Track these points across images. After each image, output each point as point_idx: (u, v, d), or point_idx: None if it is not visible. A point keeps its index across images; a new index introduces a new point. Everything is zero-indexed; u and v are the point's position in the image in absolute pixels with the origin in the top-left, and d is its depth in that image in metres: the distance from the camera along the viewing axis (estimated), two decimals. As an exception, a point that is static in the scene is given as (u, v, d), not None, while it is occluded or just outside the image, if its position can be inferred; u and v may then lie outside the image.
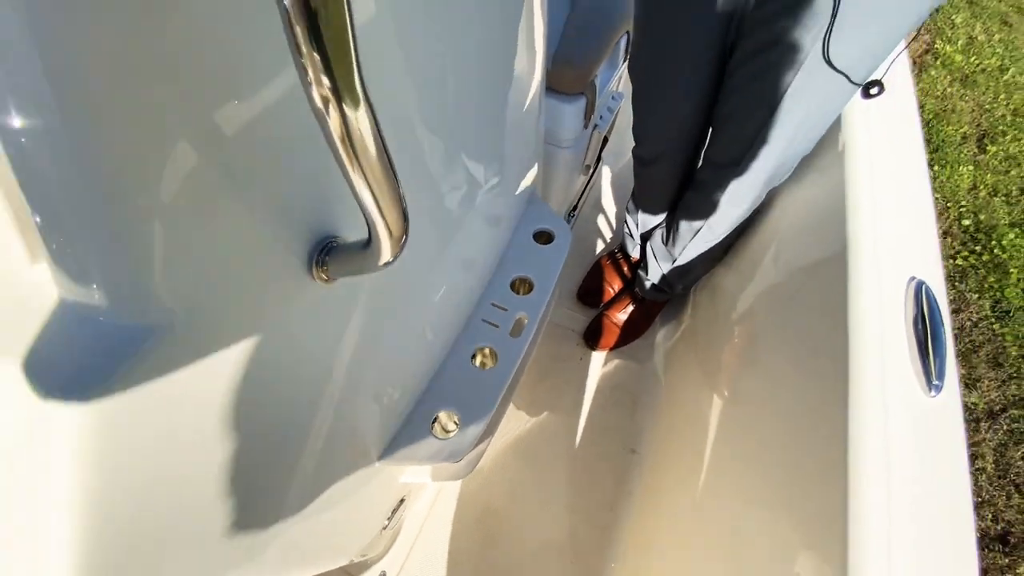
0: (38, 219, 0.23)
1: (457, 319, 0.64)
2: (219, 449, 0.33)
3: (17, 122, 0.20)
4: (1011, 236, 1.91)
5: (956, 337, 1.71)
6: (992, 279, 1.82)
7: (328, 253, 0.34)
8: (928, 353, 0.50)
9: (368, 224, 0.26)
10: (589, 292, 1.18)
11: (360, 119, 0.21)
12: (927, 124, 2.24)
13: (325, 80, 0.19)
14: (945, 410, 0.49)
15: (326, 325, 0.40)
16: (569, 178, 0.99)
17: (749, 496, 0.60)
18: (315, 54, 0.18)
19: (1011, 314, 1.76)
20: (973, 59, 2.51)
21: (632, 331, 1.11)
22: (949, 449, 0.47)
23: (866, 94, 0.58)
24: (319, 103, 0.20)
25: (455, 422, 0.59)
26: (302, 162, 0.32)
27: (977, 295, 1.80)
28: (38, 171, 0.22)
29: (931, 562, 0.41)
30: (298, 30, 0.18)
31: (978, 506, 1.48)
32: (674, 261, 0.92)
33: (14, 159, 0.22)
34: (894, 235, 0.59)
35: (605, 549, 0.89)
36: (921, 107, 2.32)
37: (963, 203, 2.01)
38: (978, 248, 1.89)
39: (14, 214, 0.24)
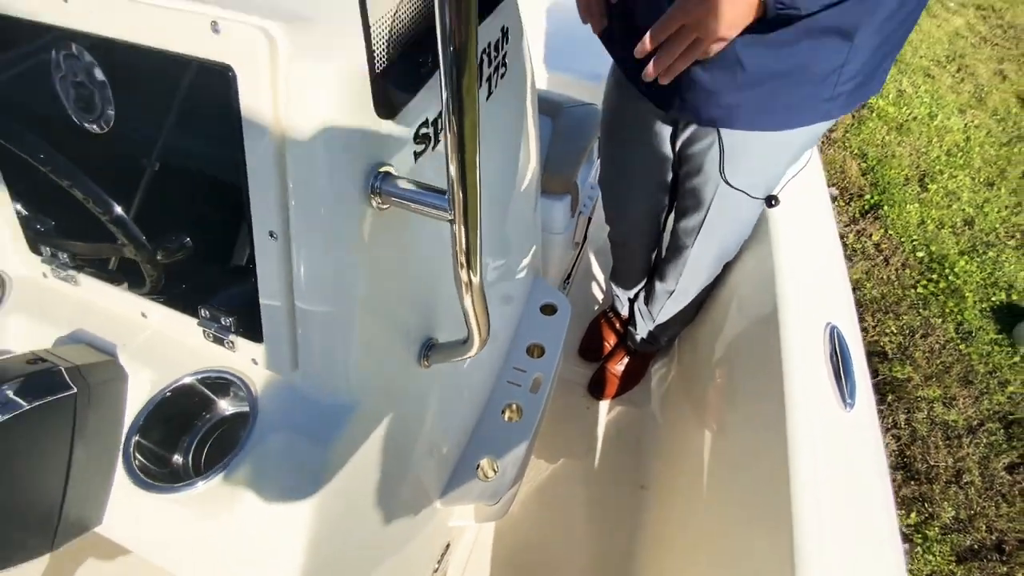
0: (302, 332, 0.42)
1: (489, 383, 0.80)
2: (372, 494, 0.50)
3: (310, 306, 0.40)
4: (962, 263, 2.12)
5: (927, 360, 1.87)
6: (951, 304, 2.00)
7: (430, 349, 0.52)
8: (842, 379, 0.66)
9: (468, 328, 0.44)
10: (589, 348, 1.35)
11: (476, 285, 0.40)
12: (872, 170, 2.52)
13: (465, 249, 0.37)
14: (860, 420, 0.64)
15: (423, 397, 0.57)
16: (563, 256, 1.19)
17: (734, 513, 0.74)
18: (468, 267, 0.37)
19: (973, 335, 1.93)
20: (904, 109, 2.85)
21: (630, 380, 1.27)
22: (865, 447, 0.62)
23: (768, 204, 0.79)
24: (461, 266, 0.38)
25: (494, 468, 0.74)
26: (425, 307, 0.51)
27: (941, 319, 1.97)
28: (317, 322, 0.41)
29: (858, 535, 0.56)
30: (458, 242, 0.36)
31: (972, 519, 1.57)
32: (655, 320, 1.10)
33: (301, 312, 0.41)
34: (814, 291, 0.77)
35: (627, 573, 1.00)
36: (864, 155, 2.61)
37: (915, 237, 2.23)
38: (935, 276, 2.09)
39: (291, 328, 0.43)
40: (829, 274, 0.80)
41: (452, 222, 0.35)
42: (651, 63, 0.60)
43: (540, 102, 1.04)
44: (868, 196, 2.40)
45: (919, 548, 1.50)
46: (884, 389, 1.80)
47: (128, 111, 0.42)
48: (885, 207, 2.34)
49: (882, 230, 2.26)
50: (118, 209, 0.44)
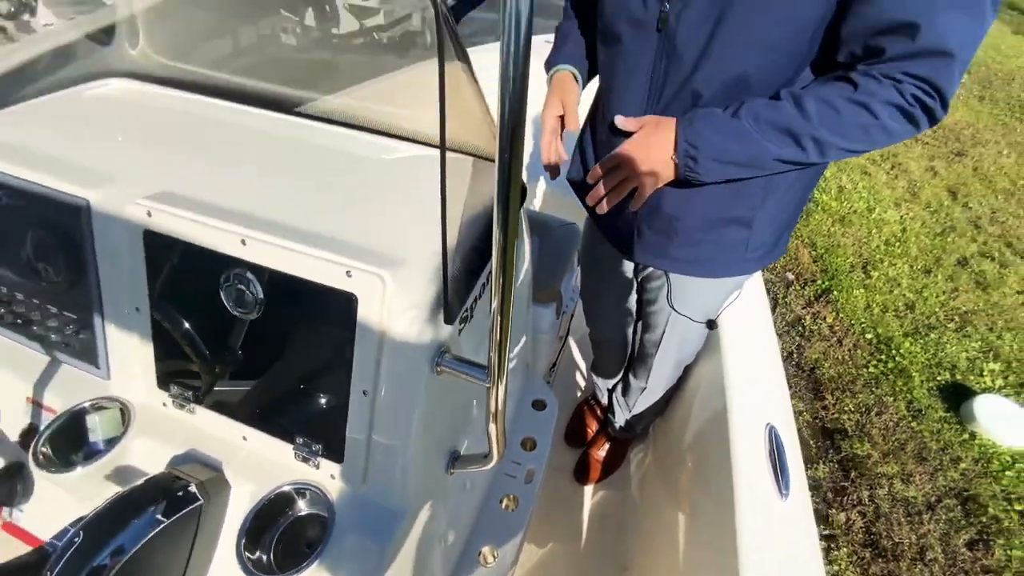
0: (373, 457, 0.56)
1: (489, 476, 0.93)
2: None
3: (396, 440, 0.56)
4: (907, 344, 2.35)
5: (883, 437, 2.02)
6: (900, 383, 2.20)
7: (455, 460, 0.66)
8: (778, 472, 0.81)
9: (489, 447, 0.59)
10: (573, 434, 1.48)
11: (500, 421, 0.55)
12: (821, 258, 2.82)
13: (494, 405, 0.53)
14: (795, 506, 0.78)
15: (446, 497, 0.71)
16: (550, 350, 1.35)
17: None
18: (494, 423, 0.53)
19: (923, 412, 2.10)
20: (845, 203, 3.22)
21: (611, 465, 1.39)
22: (799, 529, 0.75)
23: (709, 327, 0.99)
24: (493, 418, 0.54)
25: (494, 555, 0.84)
26: (455, 431, 0.67)
27: (892, 398, 2.15)
28: (385, 450, 0.56)
29: None
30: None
31: (939, 596, 1.65)
32: (631, 410, 1.26)
33: (375, 443, 0.56)
34: (756, 395, 0.93)
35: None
36: (814, 244, 2.92)
37: (863, 320, 2.47)
38: (883, 357, 2.30)
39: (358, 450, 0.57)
40: (769, 379, 0.98)
41: (488, 387, 0.51)
42: (591, 193, 0.78)
43: (530, 222, 1.26)
44: (820, 281, 2.67)
45: (892, 628, 1.57)
46: (847, 466, 1.93)
47: (273, 310, 0.60)
48: (835, 291, 2.60)
49: (834, 313, 2.50)
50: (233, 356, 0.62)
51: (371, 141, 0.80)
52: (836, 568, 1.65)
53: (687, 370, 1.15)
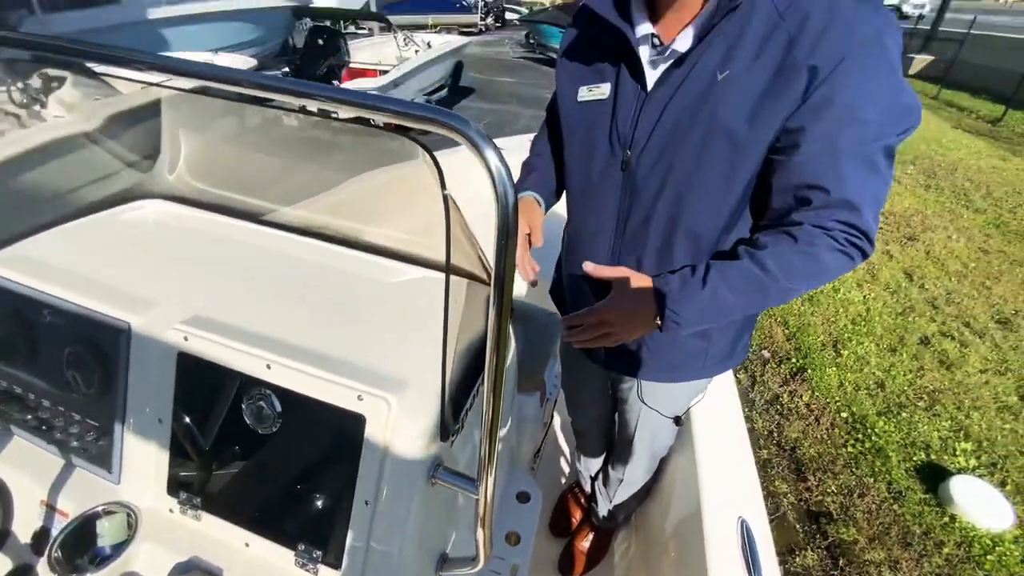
0: (370, 563, 0.60)
1: (474, 574, 0.94)
2: None
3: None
4: (880, 424, 2.41)
5: (868, 521, 2.02)
6: (879, 463, 2.23)
7: (444, 562, 0.69)
8: (751, 566, 0.84)
9: (476, 551, 0.62)
10: (558, 524, 1.47)
11: (487, 526, 0.59)
12: (794, 336, 2.95)
13: (483, 512, 0.58)
14: None
15: None
16: (534, 437, 1.39)
17: None
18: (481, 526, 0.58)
19: (903, 494, 2.12)
20: (814, 284, 3.42)
21: (595, 556, 1.38)
22: None
23: (676, 423, 1.06)
24: (481, 523, 0.58)
25: None
26: (444, 535, 0.71)
27: (872, 479, 2.18)
28: (381, 556, 0.60)
29: None
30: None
31: None
32: (611, 501, 1.28)
33: (372, 550, 0.59)
34: (728, 489, 0.98)
35: None
36: (786, 323, 3.06)
37: (837, 398, 2.55)
38: (860, 436, 2.35)
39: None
40: (739, 473, 1.03)
41: (477, 499, 0.57)
42: (569, 332, 0.83)
43: (514, 312, 1.35)
44: (794, 359, 2.77)
45: None
46: (835, 552, 1.91)
47: (288, 425, 0.66)
48: (809, 370, 2.70)
49: (810, 391, 2.58)
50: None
51: (379, 263, 0.90)
52: (831, 668, 1.60)
53: (663, 462, 1.20)
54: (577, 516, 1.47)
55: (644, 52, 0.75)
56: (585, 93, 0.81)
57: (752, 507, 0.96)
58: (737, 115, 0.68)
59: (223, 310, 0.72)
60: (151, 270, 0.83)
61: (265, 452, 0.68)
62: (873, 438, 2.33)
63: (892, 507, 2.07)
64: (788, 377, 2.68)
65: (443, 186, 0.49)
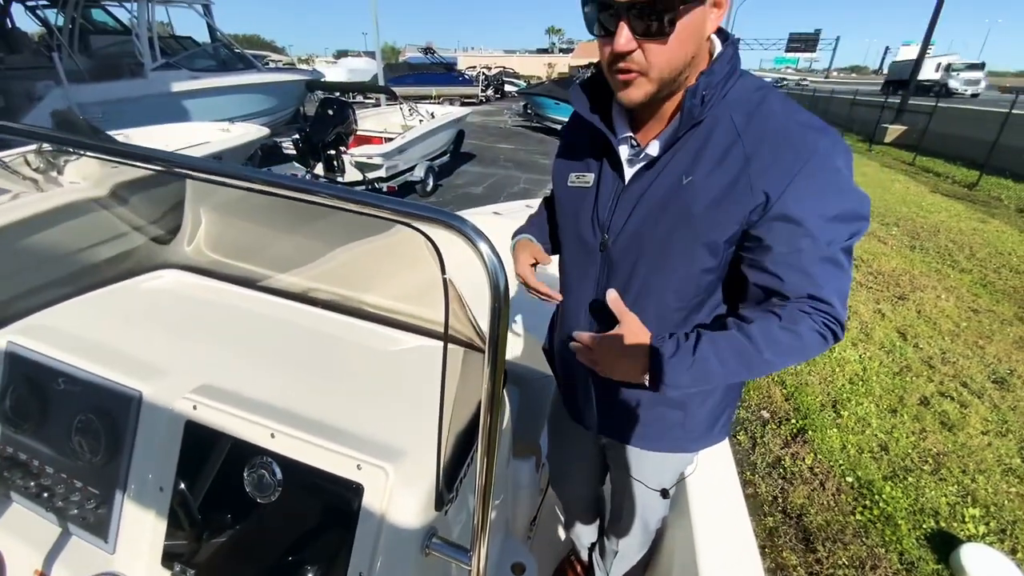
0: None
1: None
2: None
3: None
4: (887, 489, 2.36)
5: (881, 594, 1.93)
6: (888, 532, 2.17)
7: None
8: None
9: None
10: (557, 596, 1.43)
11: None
12: (792, 396, 2.94)
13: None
14: None
15: None
16: (530, 504, 1.37)
17: None
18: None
19: (916, 565, 2.04)
20: (809, 344, 3.45)
21: (596, 631, 1.33)
22: None
23: (663, 496, 1.08)
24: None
25: None
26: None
27: (884, 550, 2.11)
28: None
29: None
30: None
31: None
32: (608, 574, 1.25)
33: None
34: (726, 562, 0.97)
35: None
36: (783, 383, 3.07)
37: (841, 461, 2.51)
38: (867, 503, 2.30)
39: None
40: (738, 546, 1.02)
41: (469, 570, 0.58)
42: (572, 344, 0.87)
43: (509, 373, 1.38)
44: (793, 420, 2.75)
45: None
46: (850, 631, 1.82)
47: (288, 494, 0.68)
48: (810, 431, 2.67)
49: (812, 454, 2.54)
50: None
51: (379, 332, 0.95)
52: None
53: (659, 534, 1.19)
54: (577, 589, 1.42)
55: (623, 151, 0.85)
56: (574, 179, 0.91)
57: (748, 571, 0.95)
58: (699, 214, 0.76)
59: (231, 379, 0.76)
60: (164, 339, 0.88)
61: (263, 521, 0.69)
62: (881, 505, 2.28)
63: (906, 580, 1.99)
64: (789, 439, 2.65)
65: (443, 271, 0.55)
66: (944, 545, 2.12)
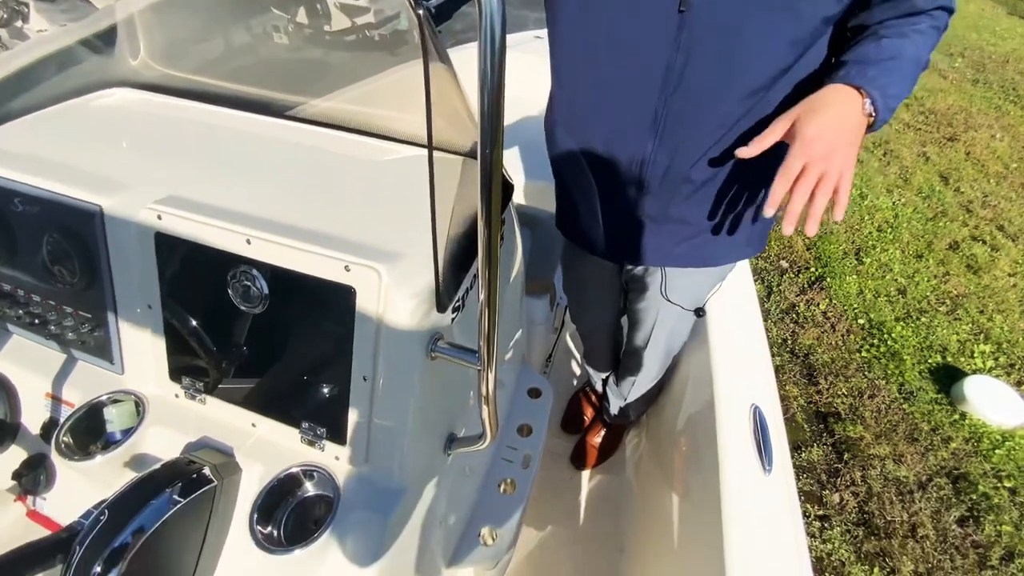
0: (374, 438, 0.61)
1: (487, 461, 0.97)
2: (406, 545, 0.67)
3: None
4: (899, 329, 2.38)
5: (876, 420, 2.06)
6: (892, 366, 2.24)
7: (451, 442, 0.70)
8: (762, 449, 0.85)
9: (483, 429, 0.62)
10: (570, 421, 1.52)
11: (491, 403, 0.59)
12: (815, 246, 2.85)
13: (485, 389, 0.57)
14: (777, 480, 0.82)
15: (444, 478, 0.75)
16: (544, 341, 1.39)
17: (688, 561, 0.89)
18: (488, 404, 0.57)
19: (915, 394, 2.14)
20: (839, 191, 3.25)
21: (607, 451, 1.44)
22: (781, 501, 0.80)
23: (697, 315, 1.03)
24: (485, 401, 0.58)
25: (493, 536, 0.89)
26: (451, 414, 0.71)
27: (884, 381, 2.19)
28: (385, 431, 0.60)
29: (775, 564, 0.72)
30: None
31: (930, 572, 1.69)
32: (624, 399, 1.30)
33: (376, 425, 0.60)
34: (741, 378, 0.97)
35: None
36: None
37: (855, 306, 2.50)
38: (875, 341, 2.34)
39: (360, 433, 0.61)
40: (754, 362, 1.02)
41: (479, 370, 0.55)
42: (784, 222, 0.64)
43: (520, 215, 1.30)
44: (813, 269, 2.70)
45: (885, 602, 1.62)
46: (840, 448, 1.97)
47: (277, 303, 0.64)
48: (828, 279, 2.63)
49: (827, 299, 2.53)
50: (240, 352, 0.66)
51: (365, 143, 0.83)
52: (830, 547, 1.70)
53: (677, 359, 1.19)
54: (589, 414, 1.51)
55: None
56: None
57: (765, 395, 0.95)
58: None
59: (198, 190, 0.68)
60: (120, 155, 0.79)
61: (260, 334, 0.67)
62: (889, 343, 2.31)
63: (902, 407, 2.10)
64: (806, 286, 2.62)
65: (424, 41, 0.42)
66: (947, 378, 2.19)
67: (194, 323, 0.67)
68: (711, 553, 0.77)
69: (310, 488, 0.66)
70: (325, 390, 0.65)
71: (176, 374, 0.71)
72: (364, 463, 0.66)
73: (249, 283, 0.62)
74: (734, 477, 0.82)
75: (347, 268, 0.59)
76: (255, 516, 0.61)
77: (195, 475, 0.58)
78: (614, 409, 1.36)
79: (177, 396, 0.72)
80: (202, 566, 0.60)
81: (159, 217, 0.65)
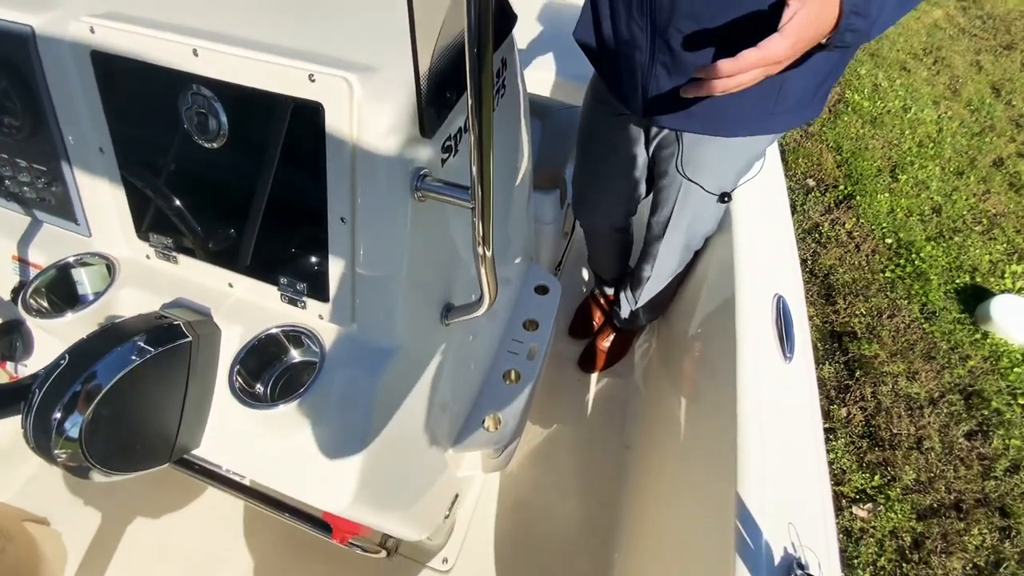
0: (359, 293, 0.56)
1: (491, 352, 0.94)
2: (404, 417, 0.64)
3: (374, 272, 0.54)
4: (928, 248, 2.27)
5: (893, 339, 2.01)
6: (917, 286, 2.15)
7: (448, 311, 0.66)
8: (783, 337, 0.80)
9: (481, 291, 0.57)
10: (579, 327, 1.49)
11: (488, 258, 0.53)
12: (847, 162, 2.67)
13: (480, 228, 0.51)
14: (798, 368, 0.79)
15: (444, 351, 0.72)
16: (554, 243, 1.33)
17: (694, 455, 0.88)
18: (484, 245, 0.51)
19: (937, 314, 2.07)
20: (879, 103, 2.99)
21: (616, 355, 1.42)
22: (802, 391, 0.76)
23: (721, 200, 0.93)
24: (478, 244, 0.52)
25: (497, 422, 0.88)
26: (446, 278, 0.65)
27: (907, 301, 2.12)
28: (371, 284, 0.55)
29: (790, 459, 0.70)
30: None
31: (931, 481, 1.72)
32: (636, 302, 1.24)
33: (360, 277, 0.54)
34: (765, 270, 0.91)
35: (613, 522, 1.15)
36: (839, 148, 2.75)
37: (884, 225, 2.38)
38: (902, 261, 2.24)
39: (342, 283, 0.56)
40: (780, 256, 0.95)
41: (472, 210, 0.48)
42: (706, 87, 0.63)
43: (531, 106, 1.19)
44: (842, 187, 2.54)
45: (882, 507, 1.65)
46: (852, 366, 1.95)
47: (238, 133, 0.56)
48: (858, 197, 2.48)
49: (854, 219, 2.41)
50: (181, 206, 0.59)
51: None
52: (832, 456, 1.72)
53: (696, 256, 1.12)
54: (599, 319, 1.48)
55: None
56: None
57: (790, 286, 0.89)
58: None
59: (138, 3, 0.59)
60: None
61: (224, 175, 0.60)
62: (916, 263, 2.21)
63: (922, 326, 2.04)
64: (832, 205, 2.48)
65: None
66: (973, 299, 2.11)
67: (151, 168, 0.60)
68: (724, 446, 0.75)
69: (296, 355, 0.62)
70: (301, 238, 0.59)
71: (144, 232, 0.66)
72: (350, 322, 0.61)
73: (205, 112, 0.55)
74: (752, 364, 0.78)
75: (312, 79, 0.50)
76: (236, 371, 0.58)
77: (166, 327, 0.54)
78: (625, 314, 1.32)
79: (148, 257, 0.68)
80: (186, 426, 0.58)
81: (92, 30, 0.56)
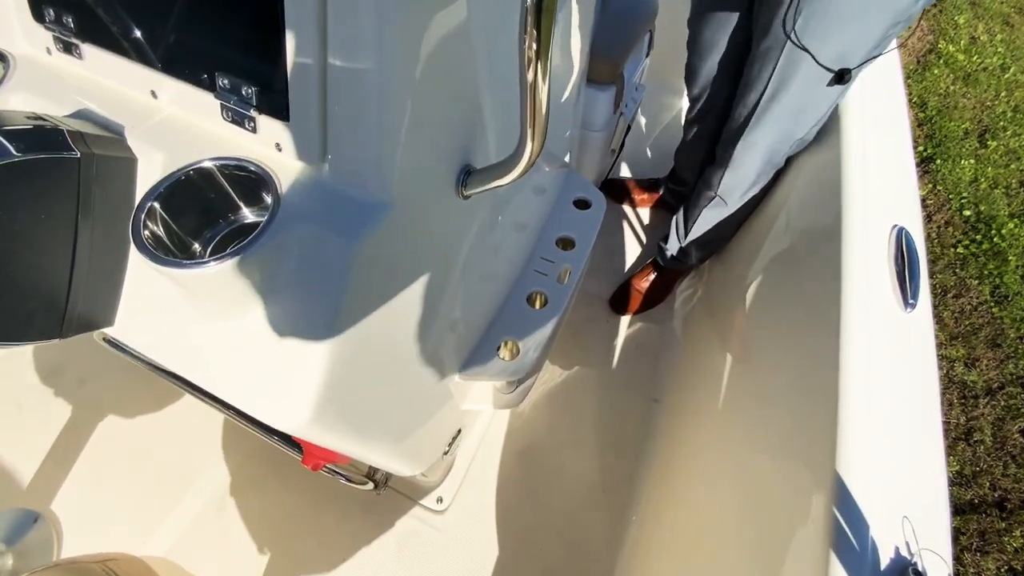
0: (334, 106, 0.38)
1: (517, 266, 0.77)
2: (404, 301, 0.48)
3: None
4: (1010, 226, 2.01)
5: (956, 320, 1.80)
6: (991, 266, 1.91)
7: (468, 176, 0.47)
8: (906, 280, 0.62)
9: (522, 140, 0.39)
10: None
11: (540, 87, 0.34)
12: (930, 121, 2.34)
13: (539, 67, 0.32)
14: (919, 320, 0.61)
15: (457, 241, 0.54)
16: (600, 158, 1.12)
17: (755, 433, 0.71)
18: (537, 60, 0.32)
19: (1009, 299, 1.85)
20: (975, 58, 2.61)
21: (653, 298, 1.23)
22: (922, 347, 0.59)
23: (839, 80, 0.68)
24: (530, 79, 0.33)
25: (516, 350, 0.71)
26: (467, 128, 0.47)
27: (977, 281, 1.89)
28: (352, 92, 0.37)
29: (908, 448, 0.53)
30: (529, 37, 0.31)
31: (976, 475, 1.57)
32: (688, 234, 1.04)
33: (334, 74, 0.36)
34: (881, 194, 0.70)
35: (632, 482, 1.01)
36: (924, 104, 2.42)
37: (964, 195, 2.10)
38: (978, 237, 1.98)
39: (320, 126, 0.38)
40: (901, 180, 0.74)
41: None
42: None
43: None
44: (921, 148, 2.25)
45: (917, 497, 1.51)
46: (907, 344, 1.76)
47: None
48: (938, 160, 2.19)
49: (931, 184, 2.13)
50: None
51: None
52: (871, 438, 1.57)
53: (778, 176, 0.90)
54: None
55: None
56: None
57: (911, 218, 0.69)
58: None
59: None
60: None
61: None
62: (995, 240, 1.96)
63: (991, 310, 1.82)
64: (905, 168, 2.20)
65: None
66: (1054, 285, 1.86)
67: None
68: (815, 415, 0.57)
69: (249, 213, 0.45)
70: (250, 17, 0.39)
71: (38, 11, 0.48)
72: (320, 159, 0.42)
73: None
74: (862, 311, 0.59)
75: None
76: (149, 212, 0.40)
77: (41, 130, 0.37)
78: (672, 250, 1.13)
79: (49, 52, 0.50)
80: (84, 290, 0.42)
81: None
